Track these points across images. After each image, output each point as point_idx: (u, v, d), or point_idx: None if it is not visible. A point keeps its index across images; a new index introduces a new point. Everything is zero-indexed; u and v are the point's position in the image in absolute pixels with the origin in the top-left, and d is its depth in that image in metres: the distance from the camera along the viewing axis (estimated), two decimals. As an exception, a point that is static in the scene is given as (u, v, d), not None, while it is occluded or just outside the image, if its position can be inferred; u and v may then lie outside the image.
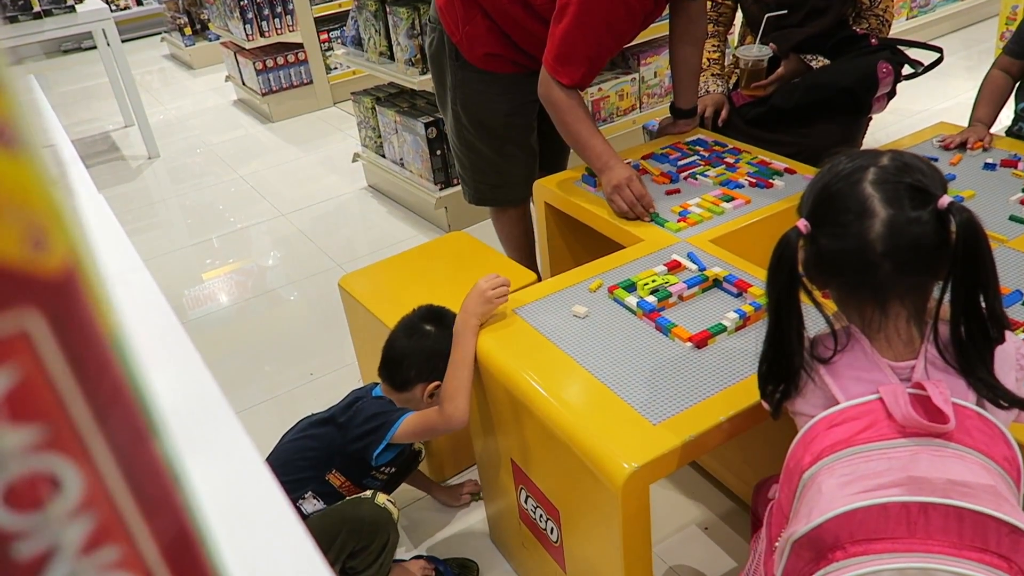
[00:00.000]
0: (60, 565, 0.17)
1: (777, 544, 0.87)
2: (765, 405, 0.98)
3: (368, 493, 1.40)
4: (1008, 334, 0.88)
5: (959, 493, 0.77)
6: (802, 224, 0.90)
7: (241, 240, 3.11)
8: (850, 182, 0.88)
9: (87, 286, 0.16)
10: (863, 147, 2.16)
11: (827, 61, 2.06)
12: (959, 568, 0.75)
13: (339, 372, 2.19)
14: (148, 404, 0.18)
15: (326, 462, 1.44)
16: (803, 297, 0.91)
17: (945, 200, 0.84)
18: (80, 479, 0.17)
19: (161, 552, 0.19)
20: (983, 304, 0.84)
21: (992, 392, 0.84)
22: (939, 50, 2.01)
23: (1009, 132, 1.95)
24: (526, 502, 1.36)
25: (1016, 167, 1.66)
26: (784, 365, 0.92)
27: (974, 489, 0.77)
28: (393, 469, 1.48)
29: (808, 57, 2.07)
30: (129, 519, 0.18)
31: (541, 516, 1.33)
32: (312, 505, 1.42)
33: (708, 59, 2.13)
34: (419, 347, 1.44)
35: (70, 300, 0.15)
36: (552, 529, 1.30)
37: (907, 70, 2.02)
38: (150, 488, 0.18)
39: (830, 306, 0.94)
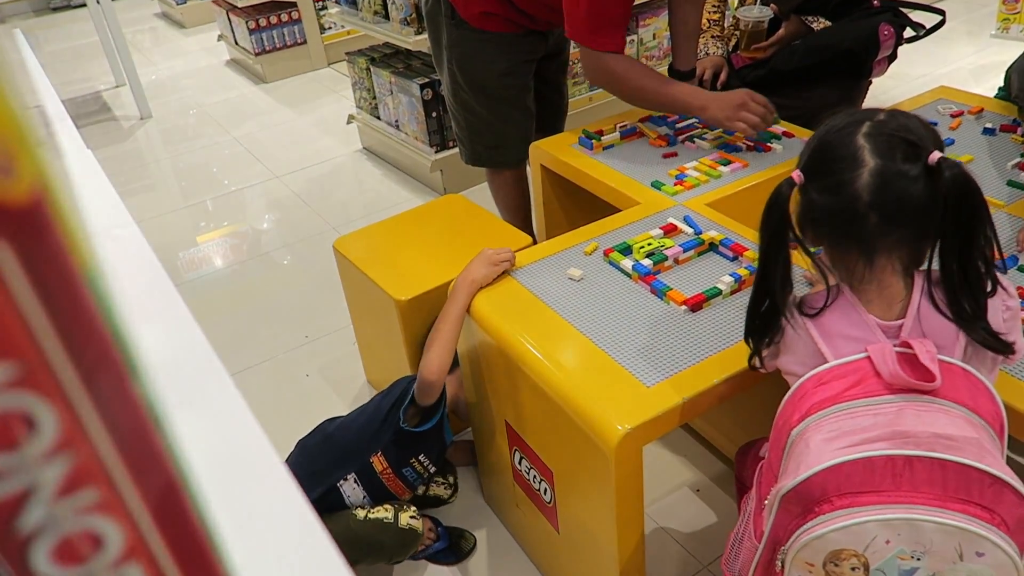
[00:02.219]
0: (37, 507, 0.17)
1: (766, 501, 0.88)
2: (755, 362, 1.00)
3: (390, 516, 1.40)
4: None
5: (943, 446, 0.78)
6: (796, 174, 0.90)
7: (235, 202, 3.09)
8: (843, 134, 0.89)
9: (58, 215, 0.15)
10: (862, 111, 2.14)
11: (828, 23, 2.03)
12: (943, 519, 0.76)
13: (334, 334, 2.19)
14: (125, 341, 0.17)
15: (374, 437, 1.42)
16: (795, 255, 0.92)
17: (936, 156, 0.84)
18: (55, 418, 0.16)
19: (143, 496, 0.19)
20: (982, 249, 0.85)
21: (982, 335, 0.86)
22: (941, 13, 1.98)
23: None
24: (520, 463, 1.37)
25: (1015, 132, 1.64)
26: (769, 313, 0.93)
27: (958, 442, 0.78)
28: (432, 466, 1.47)
29: (809, 19, 2.04)
30: (108, 461, 0.17)
31: (535, 477, 1.33)
32: (352, 489, 1.42)
33: (708, 20, 2.09)
34: None
35: (39, 229, 0.15)
36: (545, 490, 1.31)
37: (909, 33, 1.99)
38: (129, 429, 0.18)
39: (821, 260, 0.94)
